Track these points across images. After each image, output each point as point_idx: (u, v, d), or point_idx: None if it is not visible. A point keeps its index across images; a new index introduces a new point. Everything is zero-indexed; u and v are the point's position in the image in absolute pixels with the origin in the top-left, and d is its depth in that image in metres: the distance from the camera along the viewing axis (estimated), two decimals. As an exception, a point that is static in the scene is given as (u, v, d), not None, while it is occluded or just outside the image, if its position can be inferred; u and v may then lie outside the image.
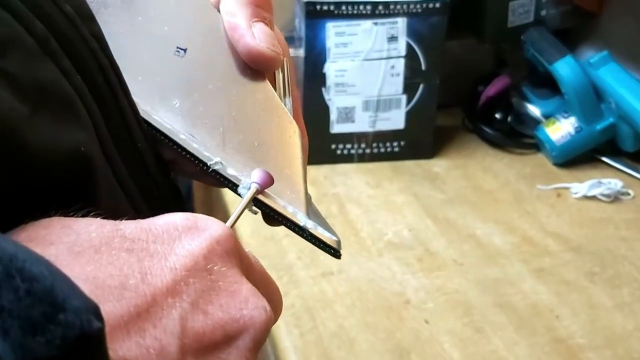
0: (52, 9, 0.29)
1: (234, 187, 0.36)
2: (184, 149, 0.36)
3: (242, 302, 0.27)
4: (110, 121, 0.31)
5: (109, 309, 0.23)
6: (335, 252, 0.36)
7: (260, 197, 0.35)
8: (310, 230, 0.35)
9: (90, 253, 0.24)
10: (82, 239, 0.25)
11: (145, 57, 0.37)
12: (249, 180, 0.34)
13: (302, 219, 0.35)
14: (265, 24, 0.38)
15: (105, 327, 0.20)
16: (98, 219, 0.26)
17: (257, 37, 0.37)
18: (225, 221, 0.29)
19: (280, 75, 0.39)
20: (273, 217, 0.36)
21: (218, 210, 0.94)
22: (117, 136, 0.32)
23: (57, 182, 0.27)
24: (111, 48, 0.33)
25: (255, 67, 0.38)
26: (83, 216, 0.26)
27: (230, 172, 0.35)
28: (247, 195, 0.34)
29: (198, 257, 0.26)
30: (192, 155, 0.36)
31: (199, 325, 0.25)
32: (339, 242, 0.36)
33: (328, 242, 0.36)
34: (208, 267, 0.26)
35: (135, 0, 0.37)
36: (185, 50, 0.37)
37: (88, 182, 0.28)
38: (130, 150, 0.33)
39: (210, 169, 0.35)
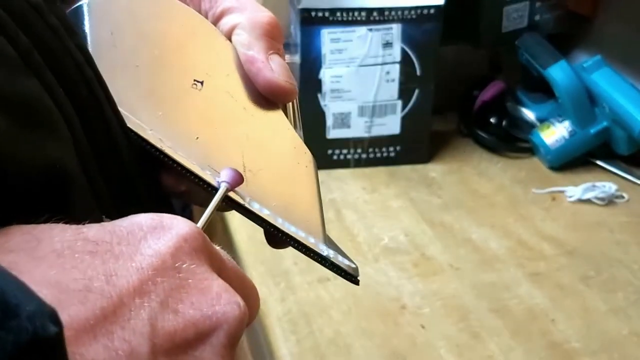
0: (36, 20, 0.29)
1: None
2: (214, 187, 0.35)
3: (213, 299, 0.26)
4: (95, 135, 0.31)
5: (73, 313, 0.22)
6: (353, 279, 0.37)
7: (255, 210, 0.35)
8: (332, 260, 0.37)
9: (52, 258, 0.24)
10: (44, 244, 0.24)
11: (164, 91, 0.37)
12: (219, 179, 0.34)
13: (323, 249, 0.36)
14: (280, 55, 0.38)
15: (65, 331, 0.20)
16: (60, 224, 0.25)
17: (275, 71, 0.38)
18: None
19: (291, 104, 0.40)
20: (279, 239, 0.37)
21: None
22: (100, 150, 0.31)
23: (28, 197, 0.26)
24: (128, 82, 0.33)
25: (271, 99, 0.38)
26: (45, 222, 0.25)
27: (255, 206, 0.36)
28: (218, 195, 0.33)
29: (165, 255, 0.25)
30: (230, 199, 0.35)
31: (169, 325, 0.24)
32: (356, 269, 0.37)
33: (348, 270, 0.37)
34: (176, 265, 0.25)
35: (151, 34, 0.37)
36: (202, 83, 0.37)
37: (61, 198, 0.28)
38: (115, 163, 0.33)
39: (244, 210, 0.36)
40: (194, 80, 0.37)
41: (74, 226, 0.25)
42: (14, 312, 0.19)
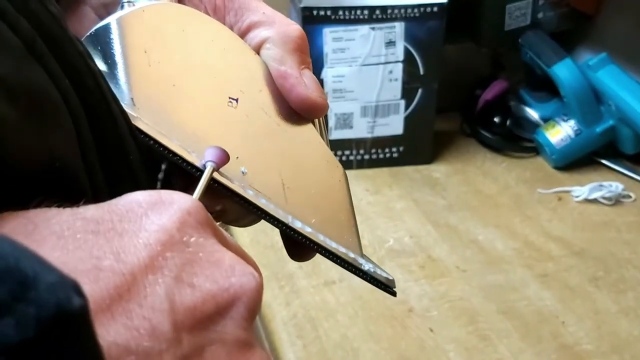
0: (37, 7, 0.27)
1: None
2: (266, 213, 0.35)
3: (227, 271, 0.25)
4: (100, 129, 0.30)
5: (86, 293, 0.20)
6: (390, 290, 0.38)
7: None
8: (372, 274, 0.37)
9: (53, 240, 0.22)
10: (41, 227, 0.23)
11: (203, 111, 0.36)
12: (204, 160, 0.34)
13: (363, 263, 0.37)
14: (310, 69, 0.38)
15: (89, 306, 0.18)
16: (54, 207, 0.24)
17: (308, 86, 0.37)
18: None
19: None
20: (303, 252, 0.38)
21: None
22: (106, 146, 0.30)
23: (26, 187, 0.25)
24: (168, 103, 0.33)
25: (304, 115, 0.38)
26: (36, 207, 0.24)
27: (298, 225, 0.36)
28: (205, 174, 0.32)
29: (171, 230, 0.24)
30: (272, 217, 0.35)
31: (188, 300, 0.23)
32: (393, 281, 0.39)
33: (386, 282, 0.38)
34: (184, 239, 0.25)
35: (183, 51, 0.37)
36: (237, 100, 0.37)
37: (58, 192, 0.26)
38: (119, 160, 0.31)
39: (287, 228, 0.36)
40: (229, 98, 0.37)
41: (69, 208, 0.24)
42: (32, 283, 0.17)
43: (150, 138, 0.34)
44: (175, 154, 0.34)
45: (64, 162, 0.27)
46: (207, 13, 0.39)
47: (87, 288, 0.20)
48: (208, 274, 0.24)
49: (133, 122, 0.33)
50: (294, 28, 0.38)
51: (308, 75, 0.38)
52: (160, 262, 0.23)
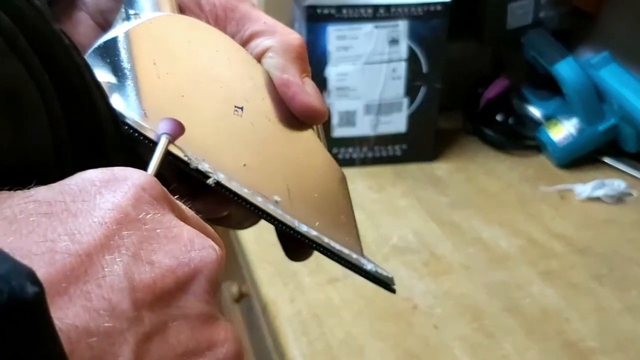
0: (21, 2, 0.27)
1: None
2: (274, 218, 0.36)
3: (187, 245, 0.25)
4: (83, 124, 0.29)
5: (42, 277, 0.20)
6: (390, 288, 0.40)
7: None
8: (373, 274, 0.39)
9: (5, 225, 0.22)
10: None
11: (211, 121, 0.37)
12: (160, 132, 0.33)
13: (366, 263, 0.39)
14: (310, 77, 0.39)
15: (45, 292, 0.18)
16: (3, 191, 0.23)
17: (310, 94, 0.38)
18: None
19: None
20: (295, 250, 0.39)
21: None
22: (85, 139, 0.30)
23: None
24: (179, 115, 0.33)
25: (305, 121, 0.39)
26: None
27: (304, 229, 0.37)
28: (160, 146, 0.32)
29: (126, 207, 0.24)
30: (279, 222, 0.37)
31: (147, 277, 0.23)
32: (392, 279, 0.40)
33: (387, 281, 0.40)
34: (140, 216, 0.24)
35: (190, 62, 0.37)
36: (242, 108, 0.37)
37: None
38: (102, 156, 0.31)
39: (294, 232, 0.37)
40: (235, 106, 0.37)
41: (19, 191, 0.24)
42: None
43: (135, 130, 0.34)
44: (140, 134, 0.34)
45: (38, 156, 0.26)
46: (208, 23, 0.39)
47: (43, 271, 0.21)
48: (167, 250, 0.24)
49: (144, 132, 0.34)
50: (295, 37, 0.39)
51: (309, 83, 0.39)
52: (117, 240, 0.23)
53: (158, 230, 0.24)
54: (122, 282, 0.22)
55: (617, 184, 0.93)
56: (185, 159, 0.34)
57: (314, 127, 0.40)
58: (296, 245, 0.39)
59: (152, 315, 0.23)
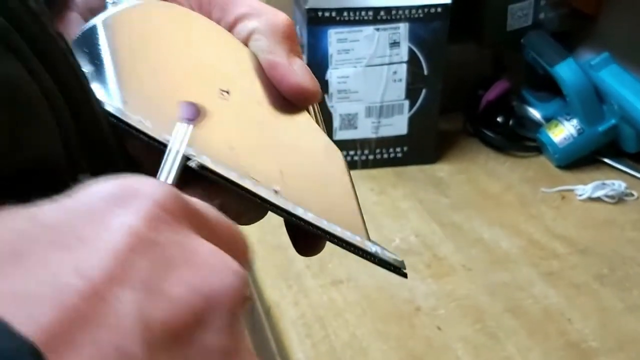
0: (16, 5, 0.26)
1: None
2: (266, 201, 0.35)
3: (205, 271, 0.22)
4: (84, 128, 0.29)
5: (47, 325, 0.18)
6: (400, 271, 0.37)
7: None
8: (380, 256, 0.36)
9: (10, 259, 0.20)
10: None
11: (197, 101, 0.36)
12: (179, 124, 0.33)
13: (370, 246, 0.36)
14: (300, 57, 0.37)
15: (40, 347, 0.17)
16: (5, 209, 0.21)
17: (299, 73, 0.36)
18: None
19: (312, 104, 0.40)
20: (305, 244, 0.37)
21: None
22: (88, 142, 0.29)
23: (8, 190, 0.23)
24: (158, 99, 0.31)
25: (297, 103, 0.37)
26: None
27: (299, 211, 0.35)
28: (184, 135, 0.31)
29: (139, 229, 0.21)
30: (273, 205, 0.35)
31: (161, 313, 0.20)
32: (402, 262, 0.37)
33: (395, 263, 0.37)
34: (155, 239, 0.21)
35: (172, 47, 0.36)
36: (228, 92, 0.36)
37: (40, 193, 0.24)
38: (103, 157, 0.30)
39: (289, 215, 0.35)
40: (221, 90, 0.36)
41: (24, 210, 0.21)
42: None
43: (132, 127, 0.33)
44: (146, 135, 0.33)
45: (46, 158, 0.25)
46: (192, 10, 0.38)
47: (49, 318, 0.19)
48: (184, 279, 0.22)
49: (125, 119, 0.33)
50: (282, 17, 0.38)
51: (298, 63, 0.37)
52: (128, 270, 0.21)
53: (174, 254, 0.22)
54: (134, 323, 0.20)
55: (618, 185, 0.93)
56: (165, 141, 0.33)
57: (310, 109, 0.39)
58: (304, 238, 0.37)
59: (168, 356, 0.21)
